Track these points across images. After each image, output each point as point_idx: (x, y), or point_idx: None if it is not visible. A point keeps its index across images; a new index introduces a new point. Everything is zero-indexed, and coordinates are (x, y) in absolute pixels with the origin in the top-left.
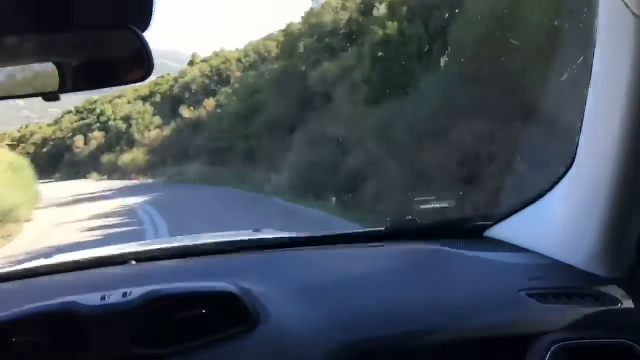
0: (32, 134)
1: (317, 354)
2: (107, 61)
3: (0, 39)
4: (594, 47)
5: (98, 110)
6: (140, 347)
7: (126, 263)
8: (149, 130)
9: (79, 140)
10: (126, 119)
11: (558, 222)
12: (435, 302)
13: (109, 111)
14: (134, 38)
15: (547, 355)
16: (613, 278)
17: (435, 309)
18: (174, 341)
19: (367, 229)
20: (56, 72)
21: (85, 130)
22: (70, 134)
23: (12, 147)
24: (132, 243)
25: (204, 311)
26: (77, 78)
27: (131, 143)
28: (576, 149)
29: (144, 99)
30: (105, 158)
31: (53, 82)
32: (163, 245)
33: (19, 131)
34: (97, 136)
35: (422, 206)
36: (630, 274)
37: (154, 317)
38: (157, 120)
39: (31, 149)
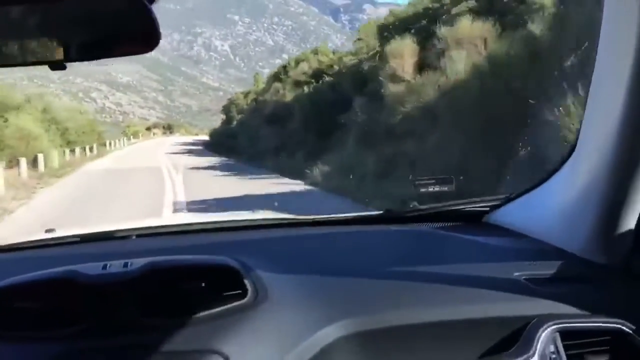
0: None
1: (316, 331)
2: (114, 31)
3: (4, 9)
4: (598, 39)
5: None
6: (139, 317)
7: (128, 238)
8: None
9: None
10: None
11: (556, 209)
12: (432, 283)
13: None
14: (142, 7)
15: (541, 337)
16: (609, 265)
17: (432, 289)
18: (174, 313)
19: (367, 213)
20: (62, 41)
21: None
22: None
23: None
24: (133, 221)
25: (203, 284)
26: (83, 48)
27: None
28: (577, 137)
29: None
30: None
31: (59, 51)
32: (164, 222)
33: None
34: None
35: (422, 190)
36: (626, 261)
37: (153, 287)
38: None
39: None
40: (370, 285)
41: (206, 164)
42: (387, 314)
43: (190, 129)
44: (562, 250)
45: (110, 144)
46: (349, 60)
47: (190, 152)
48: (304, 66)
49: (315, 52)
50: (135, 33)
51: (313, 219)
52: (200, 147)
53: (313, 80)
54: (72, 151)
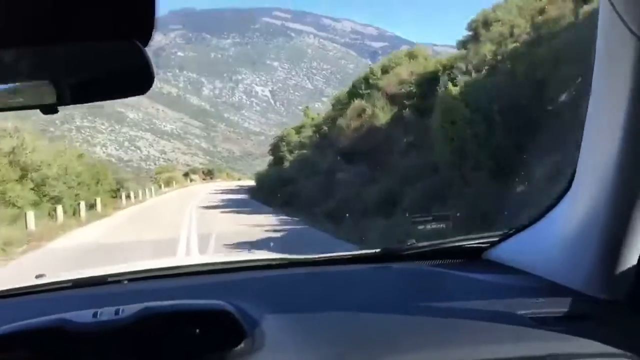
0: None
1: None
2: (107, 74)
3: None
4: (593, 67)
5: None
6: None
7: (119, 283)
8: None
9: None
10: None
11: (556, 245)
12: (433, 324)
13: None
14: (136, 50)
15: None
16: (613, 300)
17: (433, 331)
18: None
19: (365, 251)
20: (54, 84)
21: None
22: None
23: None
24: (126, 264)
25: (197, 331)
26: (76, 91)
27: None
28: (574, 171)
29: None
30: None
31: (51, 95)
32: (157, 266)
33: None
34: None
35: (420, 227)
36: (629, 296)
37: (146, 335)
38: None
39: None
40: (368, 329)
41: (259, 231)
42: (388, 358)
43: (233, 173)
44: (565, 287)
45: (128, 196)
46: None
47: (231, 204)
48: (402, 71)
49: (411, 55)
50: (130, 75)
51: (312, 258)
52: (244, 196)
53: (416, 91)
54: (52, 214)
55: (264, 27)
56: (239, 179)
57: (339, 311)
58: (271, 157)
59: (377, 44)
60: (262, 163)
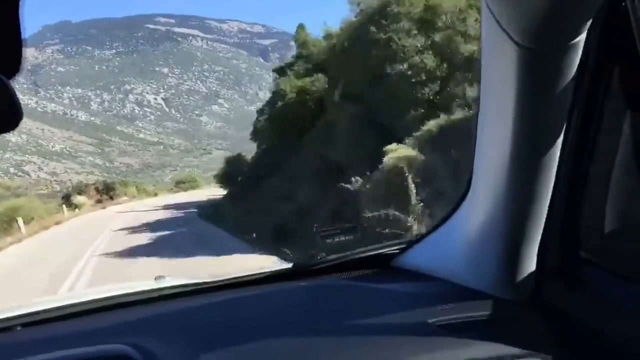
0: None
1: None
2: None
3: None
4: (480, 75)
5: None
6: None
7: (11, 330)
8: None
9: None
10: None
11: (461, 248)
12: (343, 341)
13: None
14: (2, 86)
15: None
16: (518, 301)
17: (346, 346)
18: None
19: (274, 269)
20: None
21: None
22: None
23: None
24: (18, 305)
25: None
26: None
27: None
28: (471, 174)
29: None
30: None
31: None
32: (51, 306)
33: None
34: None
35: (328, 240)
36: (533, 295)
37: None
38: None
39: None
40: (281, 351)
41: None
42: None
43: (146, 186)
44: (472, 290)
45: None
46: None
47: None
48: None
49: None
50: None
51: (218, 282)
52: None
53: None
54: None
55: (148, 34)
56: (156, 194)
57: (248, 341)
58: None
59: (266, 41)
60: (163, 174)
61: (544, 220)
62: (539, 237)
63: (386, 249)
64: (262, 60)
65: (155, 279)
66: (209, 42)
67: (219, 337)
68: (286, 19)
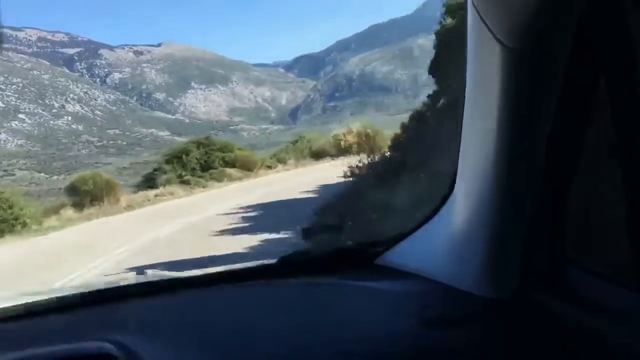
0: None
1: None
2: None
3: None
4: (465, 75)
5: None
6: None
7: None
8: None
9: None
10: None
11: (444, 246)
12: (330, 339)
13: None
14: None
15: None
16: (500, 299)
17: (330, 346)
18: None
19: (259, 264)
20: None
21: None
22: None
23: None
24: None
25: None
26: None
27: None
28: (455, 172)
29: None
30: None
31: None
32: (28, 300)
33: None
34: None
35: (313, 236)
36: (515, 294)
37: None
38: None
39: None
40: (264, 350)
41: None
42: None
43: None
44: (455, 289)
45: None
46: None
47: None
48: None
49: None
50: None
51: (203, 276)
52: None
53: None
54: None
55: None
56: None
57: (232, 338)
58: None
59: (71, 50)
60: None
61: (528, 219)
62: (523, 236)
63: (371, 246)
64: (67, 70)
65: (137, 273)
66: (3, 52)
67: (202, 334)
68: (91, 26)
